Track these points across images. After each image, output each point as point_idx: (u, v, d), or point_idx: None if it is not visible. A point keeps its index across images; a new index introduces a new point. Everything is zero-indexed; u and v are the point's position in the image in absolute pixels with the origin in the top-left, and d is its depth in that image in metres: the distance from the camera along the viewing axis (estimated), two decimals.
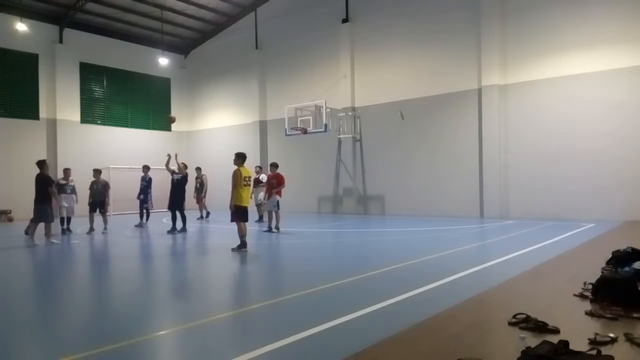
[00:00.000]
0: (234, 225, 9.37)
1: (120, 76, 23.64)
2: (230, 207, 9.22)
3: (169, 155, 13.56)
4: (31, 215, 11.06)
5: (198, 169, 17.56)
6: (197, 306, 5.36)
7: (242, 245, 9.15)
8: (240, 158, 9.42)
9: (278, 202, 12.54)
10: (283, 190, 12.97)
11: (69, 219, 13.52)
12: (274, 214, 12.52)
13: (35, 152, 18.65)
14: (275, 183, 12.65)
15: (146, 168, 15.46)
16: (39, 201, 10.67)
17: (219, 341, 4.07)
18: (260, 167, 16.36)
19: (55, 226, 12.87)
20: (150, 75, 24.77)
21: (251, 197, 10.53)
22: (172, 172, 13.30)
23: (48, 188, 10.70)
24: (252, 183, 9.59)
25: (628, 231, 11.03)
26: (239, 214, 9.20)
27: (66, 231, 13.24)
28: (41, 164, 10.91)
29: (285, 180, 13.07)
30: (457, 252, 8.57)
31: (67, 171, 13.78)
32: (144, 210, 15.06)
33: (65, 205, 13.43)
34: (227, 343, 4.03)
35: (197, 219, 16.80)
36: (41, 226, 10.84)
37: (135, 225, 14.77)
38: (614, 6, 13.66)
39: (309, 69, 20.89)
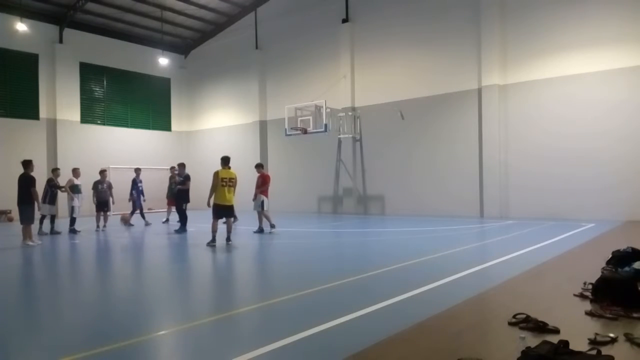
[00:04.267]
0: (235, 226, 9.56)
1: (120, 76, 23.64)
2: (208, 205, 10.04)
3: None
4: None
5: (172, 168, 15.48)
6: (196, 306, 5.36)
7: (212, 240, 9.93)
8: (222, 160, 10.31)
9: (263, 202, 12.32)
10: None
11: (74, 219, 13.64)
12: (263, 214, 12.38)
13: (35, 152, 18.68)
14: (260, 182, 12.56)
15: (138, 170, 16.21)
16: (21, 202, 10.61)
17: (219, 341, 4.06)
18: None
19: (54, 225, 12.99)
20: (150, 75, 24.77)
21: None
22: (176, 183, 14.18)
23: (31, 189, 10.58)
24: (234, 183, 10.21)
25: (628, 231, 11.03)
26: (216, 211, 10.04)
27: (75, 230, 13.36)
28: (26, 164, 10.76)
29: (271, 180, 12.94)
30: (457, 252, 8.57)
31: (76, 171, 13.85)
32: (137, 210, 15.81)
33: (78, 205, 13.57)
34: (227, 343, 4.03)
35: (163, 222, 15.89)
36: (36, 225, 10.76)
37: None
38: (614, 6, 13.66)
39: (309, 69, 20.89)
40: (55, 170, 13.64)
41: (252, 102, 22.94)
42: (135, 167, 16.64)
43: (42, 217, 12.99)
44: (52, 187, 12.96)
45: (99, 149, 22.08)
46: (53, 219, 13.22)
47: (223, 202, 10.00)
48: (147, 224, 15.44)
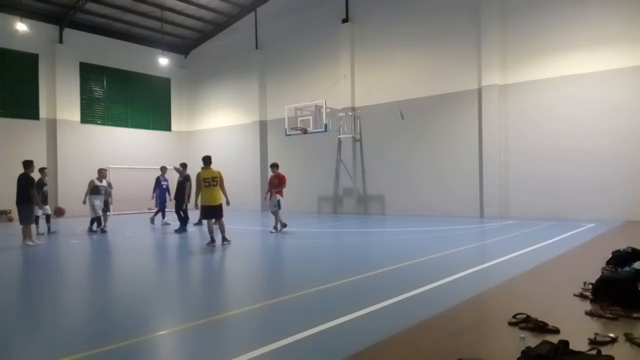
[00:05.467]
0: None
1: (120, 76, 23.63)
2: (195, 206, 10.17)
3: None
4: None
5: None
6: (196, 306, 5.36)
7: (211, 240, 9.92)
8: (203, 161, 10.21)
9: (279, 201, 12.46)
10: (285, 189, 12.92)
11: (99, 219, 13.50)
12: (278, 213, 12.47)
13: (35, 152, 18.68)
14: (277, 183, 12.63)
15: (164, 169, 16.31)
16: (20, 202, 10.60)
17: (219, 341, 4.07)
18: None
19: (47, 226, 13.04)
20: (150, 75, 24.76)
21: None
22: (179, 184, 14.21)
23: (30, 189, 10.56)
24: (217, 182, 10.07)
25: (628, 231, 11.03)
26: (203, 212, 10.14)
27: (100, 231, 13.33)
28: (27, 164, 10.74)
29: (287, 180, 12.97)
30: (457, 252, 8.57)
31: (101, 171, 13.72)
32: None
33: (99, 204, 13.40)
34: (227, 343, 4.03)
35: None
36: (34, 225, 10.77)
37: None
38: (614, 6, 13.65)
39: (309, 69, 20.89)
40: (42, 170, 13.42)
41: (252, 102, 22.93)
42: (161, 165, 16.65)
43: (36, 218, 12.93)
44: (40, 186, 12.60)
45: (99, 149, 22.05)
46: (48, 218, 13.16)
47: (207, 202, 9.95)
48: (165, 223, 15.36)
